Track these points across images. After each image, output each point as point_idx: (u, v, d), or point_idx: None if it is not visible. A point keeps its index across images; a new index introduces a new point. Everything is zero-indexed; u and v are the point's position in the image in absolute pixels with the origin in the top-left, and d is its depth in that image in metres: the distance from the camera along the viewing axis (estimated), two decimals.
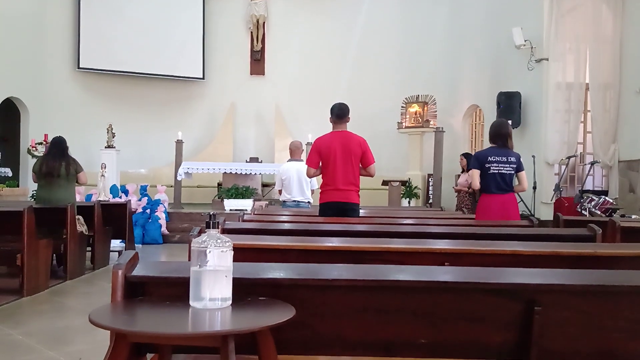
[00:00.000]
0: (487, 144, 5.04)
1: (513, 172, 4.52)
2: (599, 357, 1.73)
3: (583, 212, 7.09)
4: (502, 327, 1.72)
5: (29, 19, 11.35)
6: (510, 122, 8.90)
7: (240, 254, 1.83)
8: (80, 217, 5.92)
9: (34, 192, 10.09)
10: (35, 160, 10.62)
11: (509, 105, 9.07)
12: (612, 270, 2.06)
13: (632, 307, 1.72)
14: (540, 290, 1.71)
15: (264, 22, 13.03)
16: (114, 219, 6.91)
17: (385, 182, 10.33)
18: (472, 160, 4.64)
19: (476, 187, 4.57)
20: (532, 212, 8.41)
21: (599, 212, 6.84)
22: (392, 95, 11.85)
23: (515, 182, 4.62)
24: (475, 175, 4.53)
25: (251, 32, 13.09)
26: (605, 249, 2.56)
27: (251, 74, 13.14)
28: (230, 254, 1.59)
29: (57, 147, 5.99)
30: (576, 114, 8.71)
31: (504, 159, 4.49)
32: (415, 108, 11.60)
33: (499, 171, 4.48)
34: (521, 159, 4.63)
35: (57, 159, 5.88)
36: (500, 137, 4.58)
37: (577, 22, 8.61)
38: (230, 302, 1.58)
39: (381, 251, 2.47)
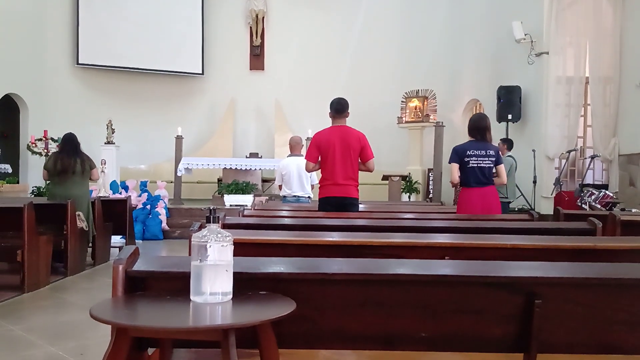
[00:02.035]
0: None
1: (492, 165, 4.51)
2: (599, 350, 1.73)
3: (583, 205, 7.08)
4: (502, 320, 1.72)
5: (27, 15, 11.33)
6: (510, 116, 8.99)
7: (241, 249, 1.83)
8: (81, 213, 5.92)
9: (34, 188, 10.13)
10: (34, 156, 10.70)
11: (509, 100, 9.06)
12: (612, 263, 2.06)
13: (632, 299, 1.72)
14: (541, 283, 1.71)
15: (263, 17, 13.00)
16: (114, 215, 6.92)
17: (385, 177, 10.32)
18: (451, 154, 4.63)
19: (455, 180, 4.56)
20: (533, 206, 8.41)
21: (599, 206, 6.83)
22: (391, 89, 11.82)
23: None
24: (454, 169, 4.53)
25: (250, 27, 13.06)
26: (606, 242, 2.56)
27: (251, 69, 13.12)
28: (230, 249, 1.59)
29: (70, 143, 6.00)
30: (576, 108, 8.70)
31: (483, 152, 4.49)
32: (415, 103, 11.58)
33: (478, 165, 4.47)
34: (500, 152, 4.65)
35: (72, 156, 5.90)
36: (478, 130, 4.58)
37: (577, 16, 8.59)
38: (230, 296, 1.58)
39: (381, 245, 2.47)
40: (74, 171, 5.87)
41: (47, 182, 6.61)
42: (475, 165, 4.47)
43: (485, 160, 4.48)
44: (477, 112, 11.24)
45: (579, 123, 8.87)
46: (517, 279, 1.73)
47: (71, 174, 5.86)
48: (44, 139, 10.68)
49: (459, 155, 4.53)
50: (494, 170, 4.55)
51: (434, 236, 2.70)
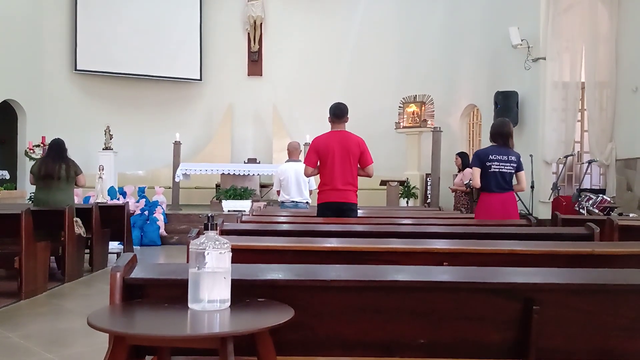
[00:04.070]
0: (484, 144, 5.04)
1: (513, 171, 4.52)
2: (597, 356, 1.73)
3: (581, 210, 7.10)
4: (500, 326, 1.72)
5: (25, 21, 11.34)
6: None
7: (239, 255, 1.83)
8: (78, 219, 5.91)
9: (32, 194, 10.10)
10: (32, 162, 10.67)
11: (506, 105, 9.08)
12: (610, 269, 2.06)
13: (630, 305, 1.72)
14: (539, 289, 1.71)
15: (261, 23, 13.03)
16: (112, 220, 6.90)
17: (383, 182, 10.33)
18: (473, 159, 4.65)
19: (477, 185, 4.56)
20: (530, 211, 8.41)
21: (596, 211, 6.85)
22: (389, 94, 11.85)
23: (514, 181, 4.63)
24: (476, 173, 4.53)
25: (248, 33, 13.09)
26: (603, 248, 2.56)
27: (249, 75, 13.14)
28: (228, 256, 1.59)
29: (56, 149, 5.97)
30: (573, 112, 8.73)
31: (505, 157, 4.49)
32: (412, 108, 11.61)
33: (500, 170, 4.48)
34: (521, 159, 4.64)
35: (57, 161, 5.86)
36: (501, 136, 4.58)
37: (573, 21, 8.62)
38: (228, 303, 1.58)
39: (380, 251, 2.47)
40: (59, 177, 5.83)
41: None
42: (497, 170, 4.48)
43: (507, 166, 4.49)
44: (478, 117, 11.28)
45: (575, 128, 8.89)
46: (515, 284, 1.73)
47: (56, 180, 5.82)
48: (42, 145, 10.67)
49: (481, 159, 4.53)
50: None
51: (432, 242, 2.70)
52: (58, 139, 6.08)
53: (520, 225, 3.74)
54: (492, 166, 4.48)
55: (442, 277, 1.79)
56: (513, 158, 4.52)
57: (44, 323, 4.14)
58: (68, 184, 5.94)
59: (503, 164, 4.48)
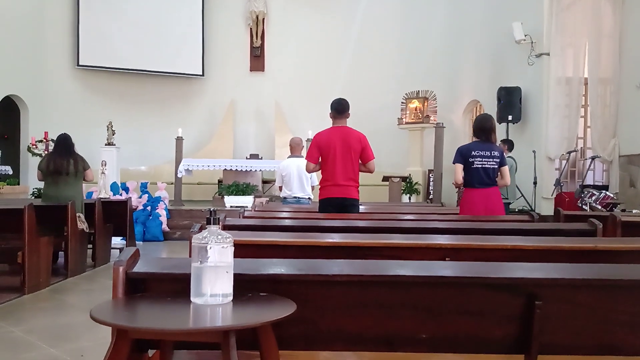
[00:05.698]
0: None
1: (496, 166, 4.49)
2: (600, 351, 1.73)
3: (584, 206, 7.08)
4: (503, 321, 1.72)
5: (28, 16, 11.34)
6: (510, 117, 8.99)
7: (241, 250, 1.84)
8: (81, 215, 5.92)
9: (35, 189, 10.13)
10: (35, 157, 10.70)
11: (509, 101, 9.06)
12: (612, 264, 2.06)
13: (632, 300, 1.72)
14: (541, 284, 1.71)
15: (263, 19, 13.01)
16: (114, 216, 6.92)
17: (385, 178, 10.32)
18: (455, 155, 4.60)
19: (459, 181, 4.54)
20: (533, 207, 8.41)
21: (599, 207, 6.83)
22: (391, 90, 11.82)
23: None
24: (458, 169, 4.51)
25: (250, 29, 13.07)
26: (606, 243, 2.56)
27: (251, 71, 13.12)
28: (231, 250, 1.59)
29: (64, 144, 5.97)
30: (576, 109, 8.70)
31: (488, 153, 4.47)
32: (415, 104, 11.58)
33: (483, 166, 4.45)
34: (504, 154, 4.64)
35: (65, 157, 5.87)
36: (483, 131, 4.55)
37: (576, 17, 8.58)
38: (231, 298, 1.58)
39: (382, 247, 2.47)
40: (67, 172, 5.84)
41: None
42: (480, 166, 4.45)
43: (490, 161, 4.46)
44: (481, 112, 11.24)
45: (579, 124, 8.86)
46: (517, 280, 1.73)
47: (64, 175, 5.83)
48: (45, 140, 10.68)
49: (463, 155, 4.51)
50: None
51: (434, 237, 2.70)
52: (65, 134, 6.08)
53: (523, 221, 3.74)
54: (475, 162, 4.45)
55: (444, 272, 1.79)
56: (496, 153, 4.48)
57: (47, 318, 4.15)
58: (77, 179, 5.96)
59: (486, 159, 4.45)
